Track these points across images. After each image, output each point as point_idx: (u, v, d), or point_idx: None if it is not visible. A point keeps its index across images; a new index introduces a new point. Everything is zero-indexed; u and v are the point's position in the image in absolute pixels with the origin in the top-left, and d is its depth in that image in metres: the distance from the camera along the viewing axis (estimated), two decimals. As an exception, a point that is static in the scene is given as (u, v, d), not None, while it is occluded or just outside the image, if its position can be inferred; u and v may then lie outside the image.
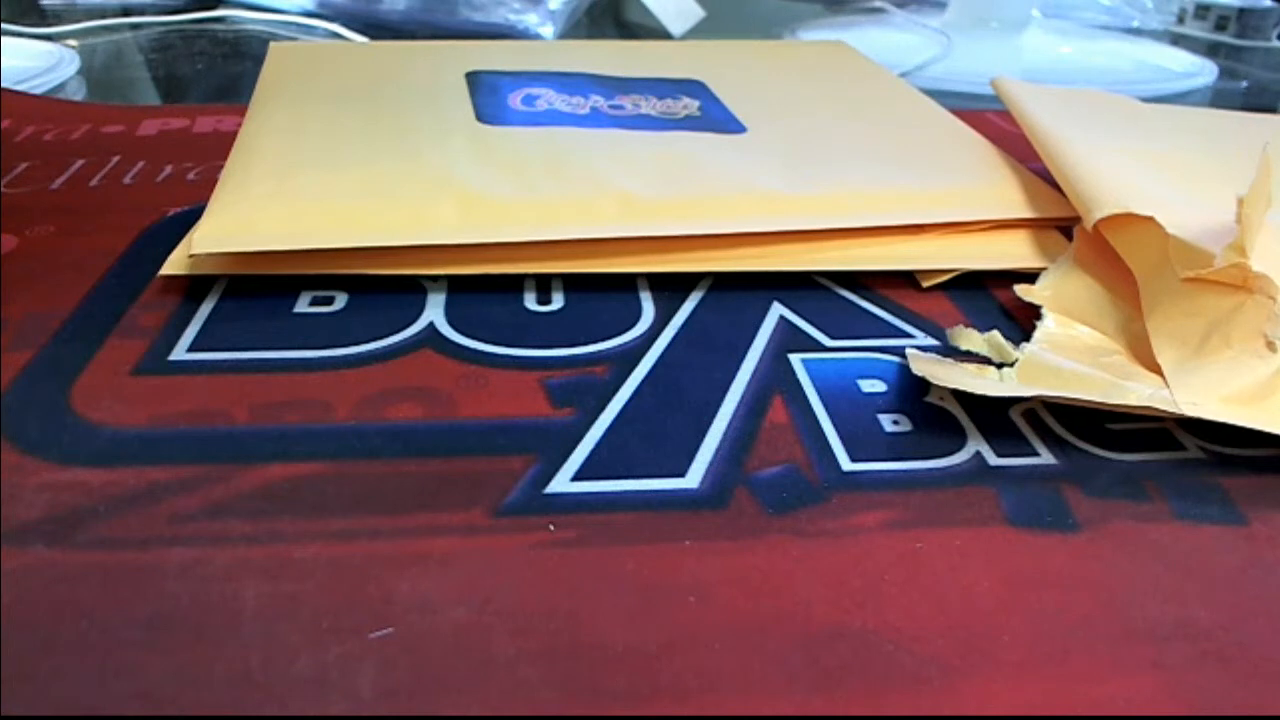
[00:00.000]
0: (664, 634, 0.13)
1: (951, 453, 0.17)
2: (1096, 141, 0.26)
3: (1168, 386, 0.17)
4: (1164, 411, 0.17)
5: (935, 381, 0.17)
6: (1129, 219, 0.21)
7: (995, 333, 0.20)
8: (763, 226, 0.22)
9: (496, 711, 0.12)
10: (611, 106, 0.29)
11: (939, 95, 0.33)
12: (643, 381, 0.18)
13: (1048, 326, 0.20)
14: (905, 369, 0.19)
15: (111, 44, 0.48)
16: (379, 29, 0.50)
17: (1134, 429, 0.17)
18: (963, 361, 0.19)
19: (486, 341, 0.19)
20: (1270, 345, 0.17)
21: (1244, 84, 0.49)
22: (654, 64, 0.35)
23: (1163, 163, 0.25)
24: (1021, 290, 0.21)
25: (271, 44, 0.35)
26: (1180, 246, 0.19)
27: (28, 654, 0.12)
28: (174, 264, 0.21)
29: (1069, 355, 0.19)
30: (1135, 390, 0.17)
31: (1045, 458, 0.17)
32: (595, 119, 0.28)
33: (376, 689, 0.12)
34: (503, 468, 0.16)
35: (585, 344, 0.19)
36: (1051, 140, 0.26)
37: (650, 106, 0.29)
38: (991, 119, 0.34)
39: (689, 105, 0.30)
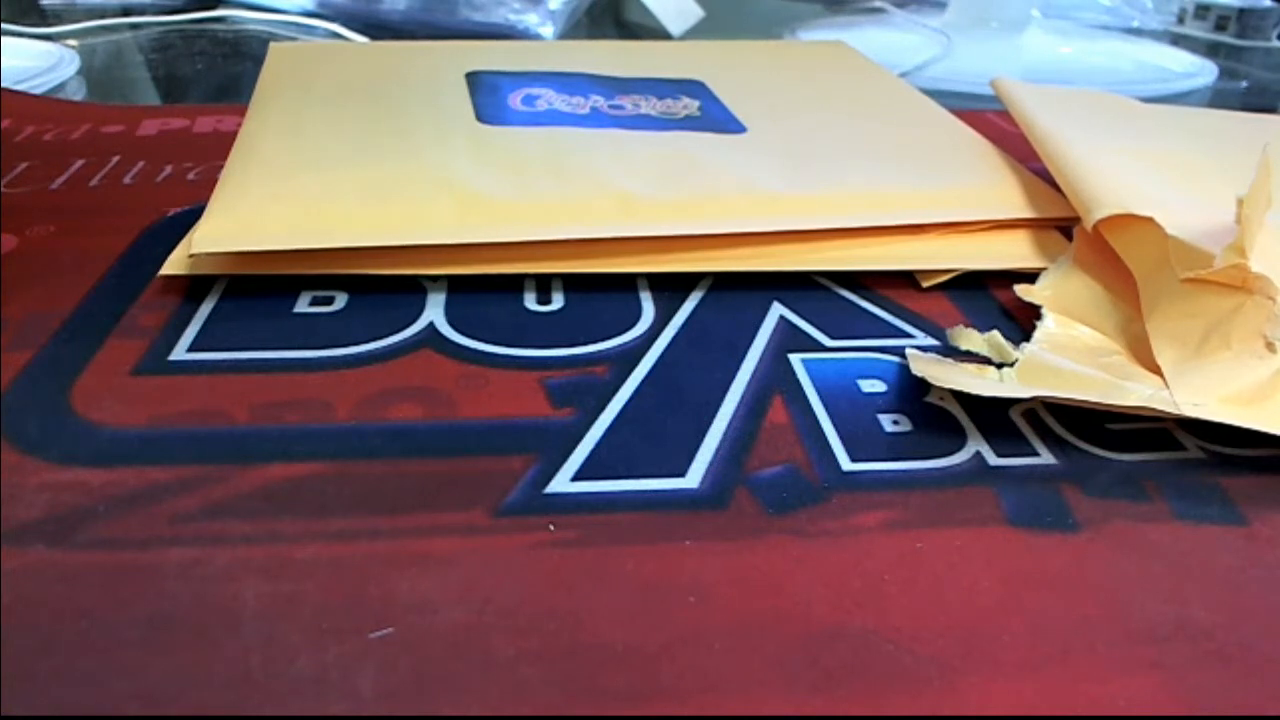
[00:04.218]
0: (664, 634, 0.13)
1: (951, 453, 0.17)
2: (1096, 141, 0.26)
3: (1168, 387, 0.17)
4: (1164, 412, 0.17)
5: (935, 382, 0.17)
6: (1129, 219, 0.21)
7: (995, 333, 0.20)
8: (763, 226, 0.22)
9: (496, 711, 0.12)
10: (611, 106, 0.29)
11: (939, 95, 0.33)
12: (643, 381, 0.18)
13: (1048, 326, 0.20)
14: (905, 369, 0.19)
15: (111, 44, 0.48)
16: (379, 29, 0.50)
17: (1134, 429, 0.17)
18: (963, 361, 0.19)
19: (486, 341, 0.19)
20: (1270, 346, 0.17)
21: (1244, 84, 0.49)
22: (654, 64, 0.35)
23: (1163, 163, 0.25)
24: (1021, 290, 0.21)
25: (271, 44, 0.35)
26: (1180, 247, 0.19)
27: (28, 654, 0.12)
28: (174, 264, 0.21)
29: (1069, 355, 0.19)
30: (1135, 390, 0.17)
31: (1045, 458, 0.17)
32: (595, 119, 0.28)
33: (376, 689, 0.12)
34: (503, 468, 0.16)
35: (585, 344, 0.19)
36: (1051, 140, 0.26)
37: (650, 106, 0.29)
38: (991, 119, 0.34)
39: (689, 105, 0.30)
